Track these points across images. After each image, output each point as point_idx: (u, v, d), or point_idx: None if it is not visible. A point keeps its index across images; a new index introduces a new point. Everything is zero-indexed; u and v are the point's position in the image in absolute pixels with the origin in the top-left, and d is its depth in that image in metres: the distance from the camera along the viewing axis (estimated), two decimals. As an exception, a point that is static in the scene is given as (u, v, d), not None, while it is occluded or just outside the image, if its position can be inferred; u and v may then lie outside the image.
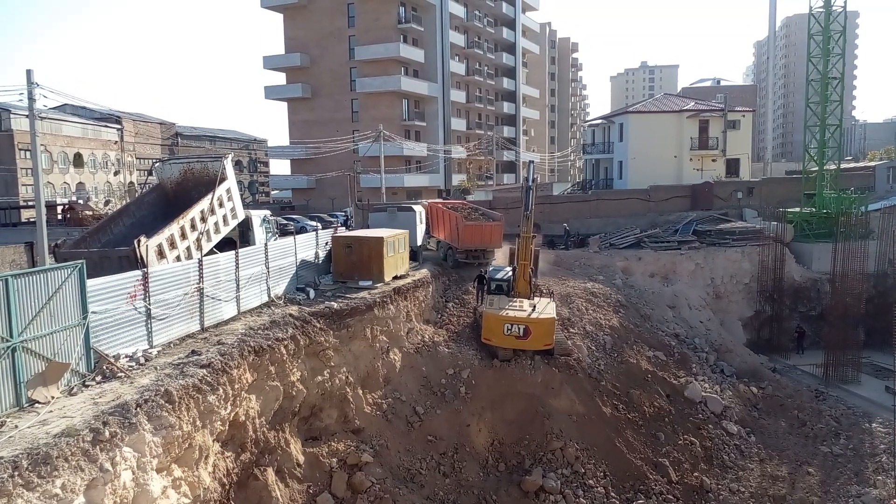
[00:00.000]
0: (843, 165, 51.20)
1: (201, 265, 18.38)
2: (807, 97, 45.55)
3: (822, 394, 31.88)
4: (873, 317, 37.40)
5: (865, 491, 23.72)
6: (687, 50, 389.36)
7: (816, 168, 45.23)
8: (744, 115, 59.31)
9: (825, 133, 44.51)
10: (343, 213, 47.42)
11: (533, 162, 32.73)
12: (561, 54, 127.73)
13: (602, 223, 48.06)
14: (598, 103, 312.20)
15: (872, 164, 69.47)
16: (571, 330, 29.98)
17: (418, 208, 34.23)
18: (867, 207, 42.11)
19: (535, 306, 27.31)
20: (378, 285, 25.76)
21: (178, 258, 19.79)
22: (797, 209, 44.55)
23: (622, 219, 47.96)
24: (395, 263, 27.77)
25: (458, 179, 71.85)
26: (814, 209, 43.88)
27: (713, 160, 57.27)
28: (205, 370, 15.01)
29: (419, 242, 33.18)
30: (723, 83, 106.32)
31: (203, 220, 21.79)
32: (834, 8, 43.29)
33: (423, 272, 30.23)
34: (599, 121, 68.49)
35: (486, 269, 31.87)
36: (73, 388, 13.41)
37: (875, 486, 24.05)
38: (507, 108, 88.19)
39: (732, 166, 58.29)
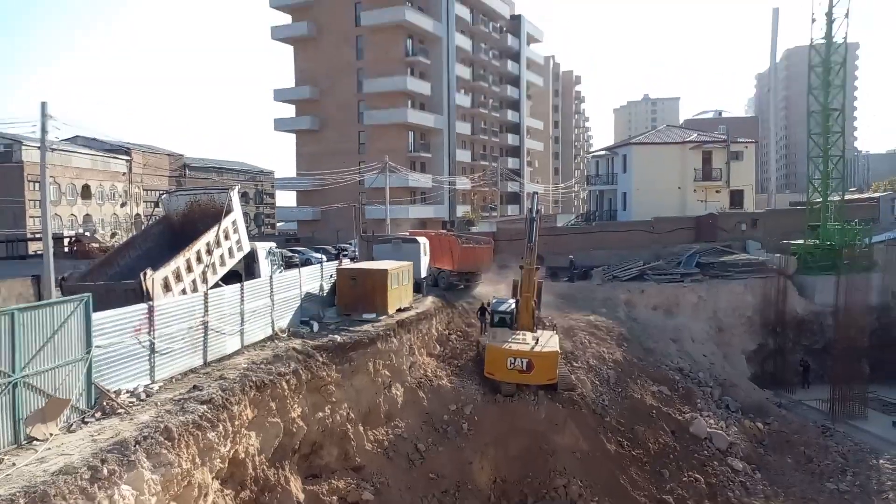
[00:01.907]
0: (847, 196, 51.13)
1: (206, 298, 18.44)
2: (808, 129, 45.68)
3: (828, 429, 31.54)
4: (878, 350, 37.13)
5: (874, 530, 23.38)
6: (689, 83, 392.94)
7: (820, 199, 45.23)
8: (746, 147, 59.62)
9: (828, 164, 44.51)
10: (335, 249, 47.26)
11: (537, 193, 33.09)
12: (564, 87, 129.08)
13: (606, 255, 47.90)
14: (602, 135, 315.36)
15: (876, 195, 69.62)
16: (575, 364, 29.87)
17: (422, 240, 34.39)
18: (871, 239, 42.00)
19: (538, 339, 27.21)
20: (382, 318, 25.76)
21: (183, 291, 19.83)
22: (801, 241, 44.41)
23: (626, 250, 47.77)
24: (399, 296, 27.79)
25: (462, 211, 72.13)
26: (818, 241, 43.65)
27: (717, 191, 57.33)
28: (205, 406, 15.01)
29: (423, 274, 33.24)
30: (724, 115, 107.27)
31: (209, 252, 21.85)
32: (834, 40, 43.58)
33: (427, 304, 30.25)
34: (603, 152, 68.90)
35: (489, 301, 31.91)
36: (72, 424, 13.39)
37: (884, 524, 23.69)
38: (511, 139, 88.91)
39: (736, 197, 58.42)
